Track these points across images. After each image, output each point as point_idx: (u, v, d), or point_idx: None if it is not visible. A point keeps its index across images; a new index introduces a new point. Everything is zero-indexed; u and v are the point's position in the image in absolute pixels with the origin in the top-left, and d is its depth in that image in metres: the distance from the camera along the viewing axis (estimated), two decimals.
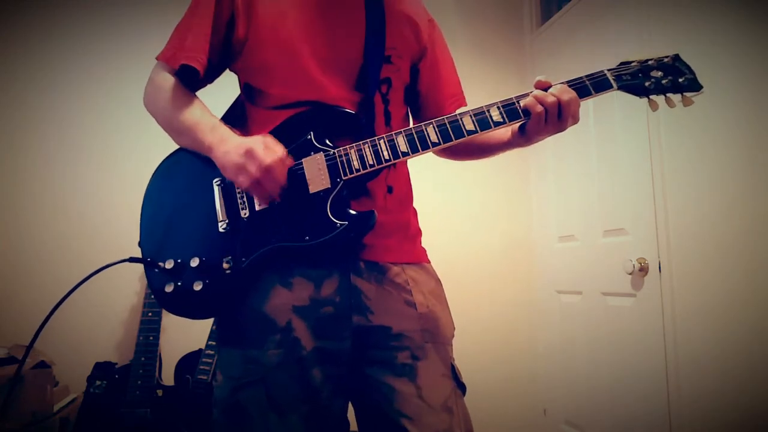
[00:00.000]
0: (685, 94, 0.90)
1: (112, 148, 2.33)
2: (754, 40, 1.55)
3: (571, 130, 2.64)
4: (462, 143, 1.03)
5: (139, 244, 0.92)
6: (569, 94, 0.88)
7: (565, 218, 2.45)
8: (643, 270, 1.89)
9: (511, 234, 2.69)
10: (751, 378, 1.52)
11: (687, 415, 1.71)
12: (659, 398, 1.81)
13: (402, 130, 0.89)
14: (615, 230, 2.09)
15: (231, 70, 1.02)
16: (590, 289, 2.24)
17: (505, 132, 1.01)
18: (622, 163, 2.06)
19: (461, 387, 0.93)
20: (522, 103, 0.89)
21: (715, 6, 1.68)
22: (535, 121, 0.90)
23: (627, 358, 1.99)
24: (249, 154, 0.83)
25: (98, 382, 1.92)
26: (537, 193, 2.70)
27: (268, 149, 0.84)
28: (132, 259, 0.91)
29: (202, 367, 1.96)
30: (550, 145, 2.54)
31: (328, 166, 0.87)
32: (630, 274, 1.93)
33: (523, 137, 0.97)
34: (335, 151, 0.87)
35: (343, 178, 0.87)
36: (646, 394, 1.88)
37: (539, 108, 0.88)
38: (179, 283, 0.86)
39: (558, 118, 0.89)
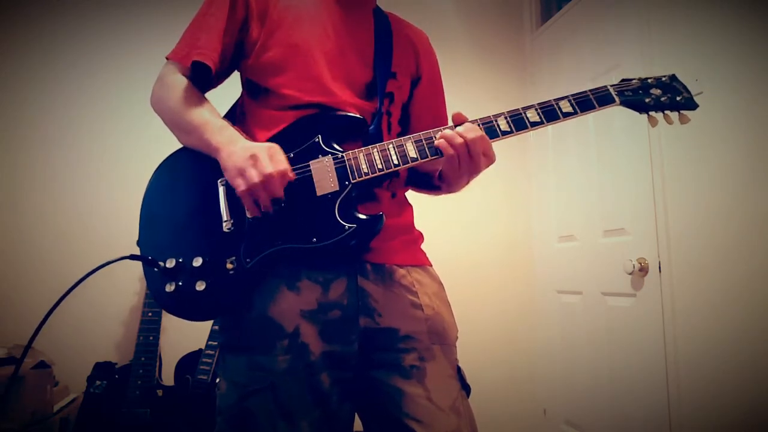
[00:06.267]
0: (682, 111, 0.95)
1: (112, 147, 2.33)
2: (754, 40, 1.55)
3: (571, 131, 2.64)
4: (420, 171, 1.08)
5: (138, 243, 0.91)
6: (475, 132, 0.87)
7: (565, 218, 2.45)
8: (643, 270, 1.89)
9: (511, 234, 2.70)
10: (751, 378, 1.52)
11: (687, 415, 1.71)
12: (659, 398, 1.81)
13: (410, 136, 0.89)
14: (615, 230, 2.09)
15: (237, 69, 1.02)
16: (590, 289, 2.24)
17: (431, 178, 1.03)
18: (622, 163, 2.06)
19: (466, 388, 0.94)
20: (435, 143, 0.88)
21: (715, 6, 1.68)
22: (448, 163, 0.89)
23: (627, 358, 1.99)
24: (253, 159, 0.82)
25: (98, 382, 1.92)
26: (537, 193, 2.70)
27: (272, 159, 0.83)
28: (132, 257, 0.89)
29: (202, 367, 1.96)
30: (550, 144, 2.54)
31: (336, 169, 0.87)
32: (630, 274, 1.93)
33: (444, 182, 0.97)
34: (344, 154, 0.88)
35: (352, 181, 0.87)
36: (646, 394, 1.88)
37: (450, 150, 0.87)
38: (180, 283, 0.85)
39: (469, 156, 0.88)
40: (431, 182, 1.05)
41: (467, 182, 0.96)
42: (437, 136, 0.88)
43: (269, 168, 0.82)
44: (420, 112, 1.09)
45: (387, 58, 1.00)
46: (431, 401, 0.86)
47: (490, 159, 0.90)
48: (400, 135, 1.06)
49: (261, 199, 0.83)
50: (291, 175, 0.85)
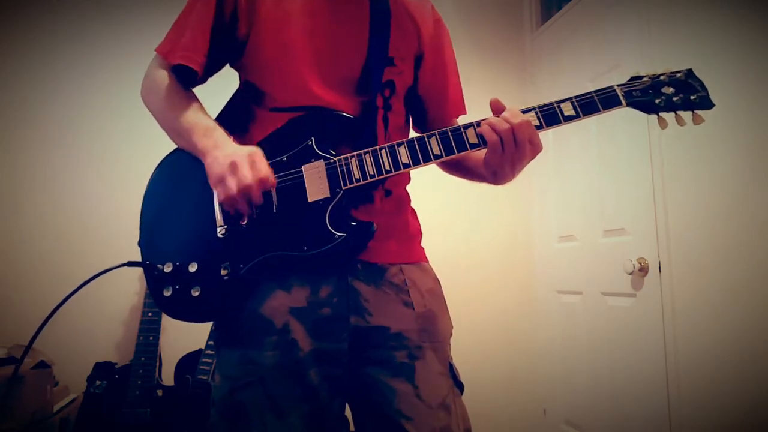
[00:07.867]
0: (696, 111, 0.86)
1: (112, 148, 2.33)
2: (754, 40, 1.55)
3: (571, 131, 2.63)
4: (458, 159, 1.02)
5: (139, 244, 0.92)
6: (521, 117, 0.84)
7: (565, 218, 2.45)
8: (643, 270, 1.89)
9: (511, 234, 2.70)
10: (751, 378, 1.52)
11: (687, 415, 1.71)
12: (659, 398, 1.81)
13: (404, 140, 0.88)
14: (615, 230, 2.09)
15: (232, 66, 1.01)
16: (590, 289, 2.24)
17: (480, 165, 0.98)
18: (622, 163, 2.06)
19: (459, 386, 0.93)
20: (477, 131, 0.86)
21: (715, 6, 1.68)
22: (491, 151, 0.87)
23: (627, 358, 1.99)
24: (233, 167, 0.81)
25: (98, 382, 1.92)
26: (537, 193, 2.71)
27: (252, 166, 0.82)
28: (130, 264, 0.91)
29: (202, 367, 1.96)
30: (551, 144, 2.54)
31: (328, 174, 0.86)
32: (630, 274, 1.93)
33: (489, 171, 0.93)
34: (336, 159, 0.86)
35: (343, 188, 0.86)
36: (646, 394, 1.88)
37: (494, 136, 0.84)
38: (177, 287, 0.86)
39: (514, 144, 0.84)
40: (479, 171, 1.01)
41: (512, 173, 0.91)
42: (481, 123, 0.86)
43: (247, 177, 0.81)
44: (427, 91, 1.05)
45: (383, 44, 0.95)
46: (420, 399, 0.86)
47: (536, 147, 0.86)
48: (405, 125, 1.04)
49: (240, 207, 0.83)
50: (272, 180, 0.83)
